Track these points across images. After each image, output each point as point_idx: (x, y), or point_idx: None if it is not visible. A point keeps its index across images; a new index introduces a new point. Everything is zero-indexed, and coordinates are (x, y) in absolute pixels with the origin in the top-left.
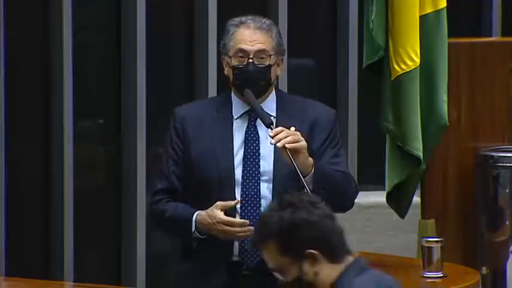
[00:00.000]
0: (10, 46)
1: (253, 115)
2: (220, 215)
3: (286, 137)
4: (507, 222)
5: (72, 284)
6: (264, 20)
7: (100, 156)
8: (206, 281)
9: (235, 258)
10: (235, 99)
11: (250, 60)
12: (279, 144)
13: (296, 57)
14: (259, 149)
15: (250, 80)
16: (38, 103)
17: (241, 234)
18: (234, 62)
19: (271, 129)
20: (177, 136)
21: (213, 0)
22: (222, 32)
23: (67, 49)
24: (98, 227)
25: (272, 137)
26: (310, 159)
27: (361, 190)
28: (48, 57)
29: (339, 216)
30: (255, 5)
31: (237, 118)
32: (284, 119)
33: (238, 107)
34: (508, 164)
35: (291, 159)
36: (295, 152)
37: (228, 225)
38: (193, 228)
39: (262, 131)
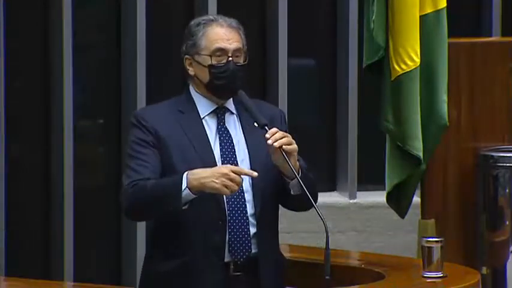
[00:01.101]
0: (10, 46)
1: (221, 113)
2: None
3: (282, 138)
4: (507, 222)
5: (72, 284)
6: (232, 19)
7: (100, 156)
8: (196, 281)
9: (226, 260)
10: (198, 98)
11: (230, 59)
12: (276, 144)
13: (296, 57)
14: (234, 145)
15: (232, 78)
16: (38, 103)
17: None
18: (213, 61)
19: (266, 130)
20: (148, 134)
21: (213, 0)
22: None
23: (67, 49)
24: (98, 227)
25: (268, 138)
26: (298, 163)
27: (361, 190)
28: (48, 57)
29: (339, 215)
30: (255, 4)
31: (204, 117)
32: (246, 117)
33: (203, 106)
34: (508, 164)
35: (286, 160)
36: (288, 153)
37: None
38: (185, 185)
39: (231, 129)
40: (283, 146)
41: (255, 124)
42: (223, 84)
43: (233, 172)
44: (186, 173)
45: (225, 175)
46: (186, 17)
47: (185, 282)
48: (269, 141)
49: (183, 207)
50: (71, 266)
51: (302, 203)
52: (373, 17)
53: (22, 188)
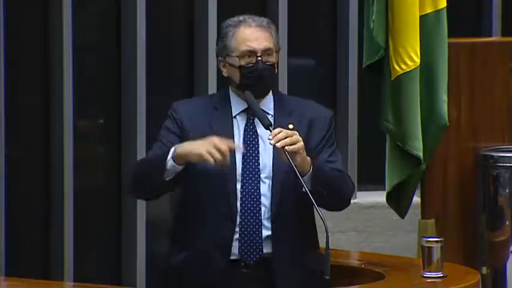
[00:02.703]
0: (10, 46)
1: (252, 113)
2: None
3: (285, 137)
4: (507, 222)
5: (72, 284)
6: (262, 19)
7: (100, 156)
8: (204, 278)
9: (234, 257)
10: (233, 97)
11: (259, 59)
12: (278, 145)
13: (296, 57)
14: (258, 146)
15: (261, 78)
16: (38, 103)
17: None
18: (242, 62)
19: (270, 130)
20: (175, 124)
21: (213, 0)
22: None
23: (67, 49)
24: (98, 227)
25: (271, 138)
26: (308, 158)
27: (361, 190)
28: (48, 57)
29: (339, 215)
30: (255, 5)
31: (235, 116)
32: (282, 117)
33: (237, 105)
34: (508, 164)
35: (289, 160)
36: (293, 152)
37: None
38: (170, 155)
39: (261, 129)
40: (286, 147)
41: (291, 125)
42: (252, 83)
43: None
44: (175, 145)
45: (211, 143)
46: (186, 17)
47: (191, 274)
48: (271, 142)
49: (166, 178)
50: (71, 266)
51: (325, 201)
52: (373, 16)
53: (22, 188)
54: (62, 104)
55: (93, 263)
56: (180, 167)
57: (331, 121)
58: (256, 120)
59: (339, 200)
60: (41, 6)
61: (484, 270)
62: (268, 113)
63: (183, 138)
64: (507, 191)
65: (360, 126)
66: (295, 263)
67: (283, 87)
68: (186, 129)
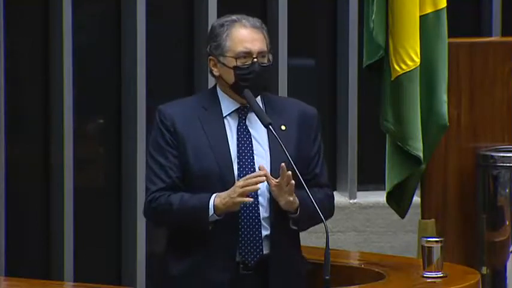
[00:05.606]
0: (10, 46)
1: (243, 113)
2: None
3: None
4: (507, 222)
5: (72, 284)
6: (255, 19)
7: (100, 156)
8: (206, 281)
9: (237, 259)
10: (223, 97)
11: (255, 60)
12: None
13: (296, 57)
14: (252, 146)
15: (256, 79)
16: (38, 102)
17: (259, 179)
18: (237, 63)
19: (270, 129)
20: (169, 132)
21: (213, 0)
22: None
23: (67, 49)
24: (98, 227)
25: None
26: (296, 201)
27: (361, 190)
28: (48, 57)
29: (339, 215)
30: (255, 5)
31: (226, 116)
32: (274, 118)
33: (227, 105)
34: (508, 164)
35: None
36: (285, 191)
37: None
38: (212, 212)
39: (253, 129)
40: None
41: (283, 126)
42: (248, 85)
43: (243, 185)
44: (212, 198)
45: (240, 188)
46: (186, 17)
47: (197, 281)
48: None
49: (210, 228)
50: (71, 266)
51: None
52: (373, 16)
53: (22, 188)
54: (62, 104)
55: (93, 263)
56: (219, 218)
57: (319, 121)
58: (250, 119)
59: (326, 215)
60: (41, 6)
61: (484, 270)
62: None
63: (177, 145)
64: (507, 191)
65: (360, 126)
66: (292, 263)
67: (283, 87)
68: (180, 134)
